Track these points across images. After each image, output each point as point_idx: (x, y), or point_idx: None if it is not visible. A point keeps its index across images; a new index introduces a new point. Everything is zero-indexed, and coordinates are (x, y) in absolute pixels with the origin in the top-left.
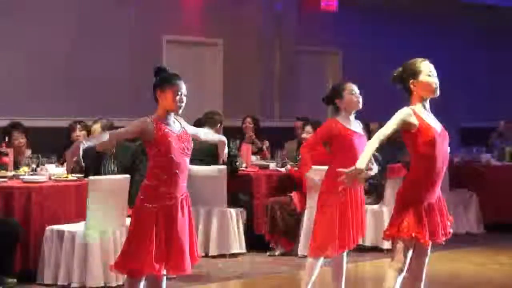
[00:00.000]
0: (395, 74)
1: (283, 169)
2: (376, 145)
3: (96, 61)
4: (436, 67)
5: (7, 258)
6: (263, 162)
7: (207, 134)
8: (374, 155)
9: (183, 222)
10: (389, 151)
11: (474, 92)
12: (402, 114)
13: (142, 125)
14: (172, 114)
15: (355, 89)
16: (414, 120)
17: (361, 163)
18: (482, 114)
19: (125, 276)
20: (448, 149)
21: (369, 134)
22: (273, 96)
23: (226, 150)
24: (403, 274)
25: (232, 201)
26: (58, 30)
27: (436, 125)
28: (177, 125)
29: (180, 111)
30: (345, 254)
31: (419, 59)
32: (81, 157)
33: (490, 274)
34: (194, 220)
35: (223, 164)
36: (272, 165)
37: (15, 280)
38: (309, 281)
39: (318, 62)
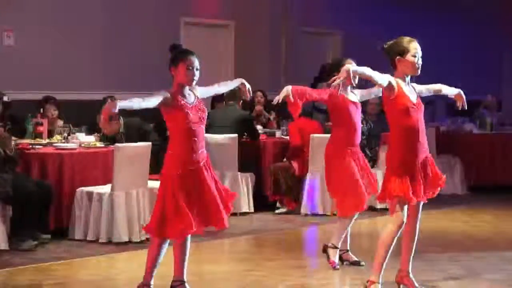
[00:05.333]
0: (385, 46)
1: (287, 137)
2: (378, 75)
3: (125, 40)
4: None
5: (43, 216)
6: (270, 131)
7: (223, 85)
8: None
9: (209, 183)
10: (382, 121)
11: (462, 67)
12: (389, 76)
13: (163, 96)
14: (187, 87)
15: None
16: (395, 85)
17: (353, 67)
18: (467, 88)
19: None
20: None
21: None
22: (279, 72)
23: (248, 86)
24: (402, 228)
25: (243, 166)
26: (89, 5)
27: (412, 97)
28: (192, 97)
29: (194, 84)
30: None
31: (408, 39)
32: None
33: (473, 231)
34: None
35: (248, 101)
36: (278, 134)
37: (49, 236)
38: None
39: (320, 42)
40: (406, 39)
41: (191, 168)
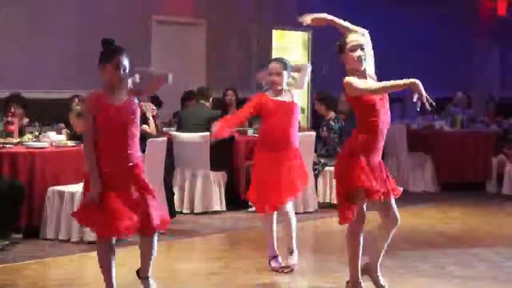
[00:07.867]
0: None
1: None
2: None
3: (95, 39)
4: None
5: (14, 216)
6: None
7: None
8: (329, 125)
9: (126, 189)
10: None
11: (433, 65)
12: (355, 78)
13: (89, 101)
14: (115, 86)
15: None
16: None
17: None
18: (438, 85)
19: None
20: (389, 115)
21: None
22: (251, 71)
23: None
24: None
25: (215, 165)
26: (59, 4)
27: None
28: (121, 97)
29: (125, 84)
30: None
31: (348, 32)
32: None
33: (444, 228)
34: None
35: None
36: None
37: (21, 235)
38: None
39: (290, 41)
40: (347, 33)
41: (108, 171)
